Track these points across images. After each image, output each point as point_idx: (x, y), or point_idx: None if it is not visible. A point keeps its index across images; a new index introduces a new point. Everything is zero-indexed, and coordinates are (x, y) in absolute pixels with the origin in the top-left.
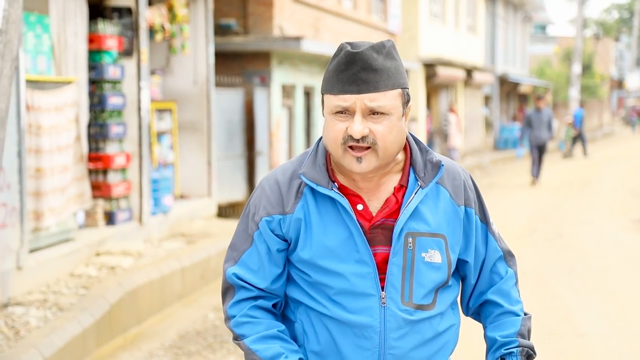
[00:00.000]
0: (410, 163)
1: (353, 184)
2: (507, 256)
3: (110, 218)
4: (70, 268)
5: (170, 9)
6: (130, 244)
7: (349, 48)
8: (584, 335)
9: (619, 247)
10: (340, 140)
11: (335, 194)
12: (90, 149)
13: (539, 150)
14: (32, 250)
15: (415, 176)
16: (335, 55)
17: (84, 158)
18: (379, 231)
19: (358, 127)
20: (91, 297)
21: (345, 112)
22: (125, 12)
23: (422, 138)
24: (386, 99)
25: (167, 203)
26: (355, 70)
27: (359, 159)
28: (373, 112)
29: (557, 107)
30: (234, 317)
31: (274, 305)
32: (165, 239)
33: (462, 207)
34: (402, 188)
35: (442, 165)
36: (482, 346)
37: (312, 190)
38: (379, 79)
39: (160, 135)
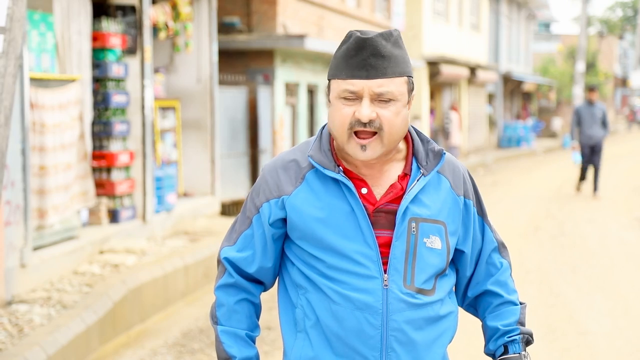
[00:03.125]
0: (412, 152)
1: (356, 170)
2: (501, 247)
3: (113, 216)
4: (74, 266)
5: (174, 7)
6: (133, 242)
7: (358, 34)
8: (588, 333)
9: (623, 245)
10: (347, 124)
11: (341, 176)
12: (94, 147)
13: (592, 153)
14: (35, 248)
15: (417, 165)
16: (344, 41)
17: (87, 156)
18: (382, 215)
19: (366, 110)
20: (95, 295)
21: (352, 97)
22: (129, 10)
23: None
24: (394, 85)
25: (171, 201)
26: (364, 55)
27: (363, 147)
28: (380, 98)
29: (561, 105)
30: (219, 299)
31: (259, 290)
32: (168, 236)
33: (462, 198)
34: (406, 176)
35: (444, 153)
36: (475, 337)
37: (318, 174)
38: (387, 65)
39: (163, 133)
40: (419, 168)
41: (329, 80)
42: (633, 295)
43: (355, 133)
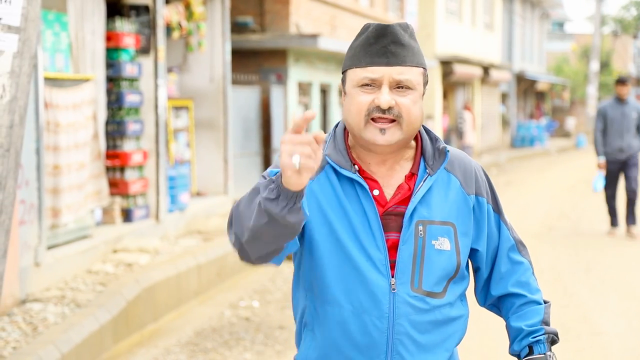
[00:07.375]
0: (421, 152)
1: (368, 168)
2: (520, 246)
3: (127, 215)
4: (88, 265)
5: (188, 6)
6: (146, 241)
7: (377, 23)
8: (602, 334)
9: (637, 245)
10: (364, 111)
11: (357, 176)
12: (107, 147)
13: (620, 170)
14: (50, 247)
15: (425, 164)
16: (362, 32)
17: (101, 155)
18: (391, 217)
19: (386, 97)
20: (108, 293)
21: (371, 85)
22: (142, 10)
23: (439, 136)
24: (412, 74)
25: (184, 200)
26: (385, 42)
27: (382, 131)
28: (399, 86)
29: (574, 104)
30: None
31: None
32: (181, 236)
33: (473, 196)
34: (413, 176)
35: (447, 151)
36: (488, 337)
37: (334, 172)
38: (406, 54)
39: (177, 132)
40: (426, 168)
41: (345, 71)
42: None
43: (373, 119)
